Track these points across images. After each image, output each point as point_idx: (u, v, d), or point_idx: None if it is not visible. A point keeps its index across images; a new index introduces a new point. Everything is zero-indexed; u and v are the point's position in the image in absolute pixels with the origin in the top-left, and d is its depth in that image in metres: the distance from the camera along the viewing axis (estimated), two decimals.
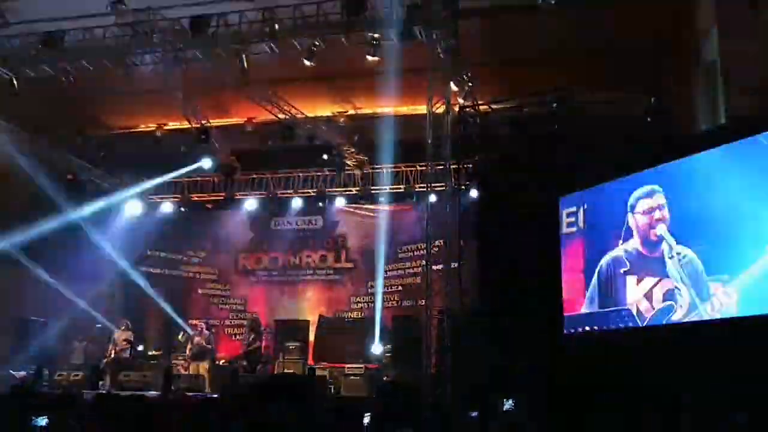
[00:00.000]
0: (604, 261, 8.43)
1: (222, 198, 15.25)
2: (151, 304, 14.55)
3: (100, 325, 13.69)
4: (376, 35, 9.81)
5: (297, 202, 14.93)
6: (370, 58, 9.96)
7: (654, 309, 7.68)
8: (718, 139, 7.22)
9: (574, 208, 9.03)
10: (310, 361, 12.66)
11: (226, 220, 15.75)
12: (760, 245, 6.54)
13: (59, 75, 10.90)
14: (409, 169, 13.94)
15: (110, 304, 14.57)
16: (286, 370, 12.09)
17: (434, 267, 10.48)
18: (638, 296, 7.92)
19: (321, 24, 10.07)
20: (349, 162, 13.95)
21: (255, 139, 13.87)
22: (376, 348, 12.64)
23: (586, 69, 10.55)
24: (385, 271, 14.02)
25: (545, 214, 9.29)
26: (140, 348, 13.23)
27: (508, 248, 9.55)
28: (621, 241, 8.20)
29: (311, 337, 13.32)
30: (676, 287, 7.44)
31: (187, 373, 12.33)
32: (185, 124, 13.16)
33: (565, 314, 8.92)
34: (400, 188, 14.11)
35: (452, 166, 10.39)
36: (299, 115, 12.79)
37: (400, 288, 14.25)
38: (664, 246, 7.62)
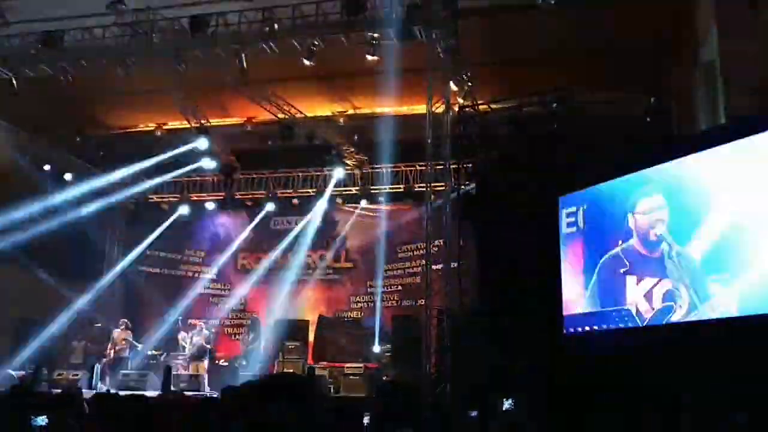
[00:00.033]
0: (604, 261, 8.42)
1: (222, 198, 15.25)
2: (151, 304, 14.57)
3: (99, 325, 13.71)
4: (375, 35, 9.81)
5: (296, 202, 14.92)
6: (369, 57, 9.95)
7: (654, 309, 7.66)
8: (718, 139, 7.20)
9: (573, 208, 9.00)
10: (310, 361, 12.67)
11: (226, 220, 15.76)
12: (760, 245, 6.54)
13: (58, 75, 10.89)
14: (408, 168, 13.94)
15: (110, 304, 14.57)
16: (285, 370, 12.10)
17: (434, 267, 10.47)
18: (638, 296, 7.90)
19: (320, 24, 10.08)
20: (348, 162, 13.95)
21: (255, 138, 13.88)
22: (376, 348, 12.65)
23: (586, 69, 10.54)
24: (385, 271, 14.05)
25: (545, 214, 9.25)
26: (139, 347, 13.25)
27: (508, 248, 9.53)
28: (621, 241, 8.18)
29: (311, 337, 13.33)
30: (675, 287, 7.43)
31: (186, 372, 12.36)
32: (185, 124, 13.17)
33: (565, 314, 8.89)
34: (399, 188, 14.10)
35: (452, 166, 10.41)
36: (299, 115, 12.80)
37: (399, 288, 14.26)
38: (664, 246, 7.61)
